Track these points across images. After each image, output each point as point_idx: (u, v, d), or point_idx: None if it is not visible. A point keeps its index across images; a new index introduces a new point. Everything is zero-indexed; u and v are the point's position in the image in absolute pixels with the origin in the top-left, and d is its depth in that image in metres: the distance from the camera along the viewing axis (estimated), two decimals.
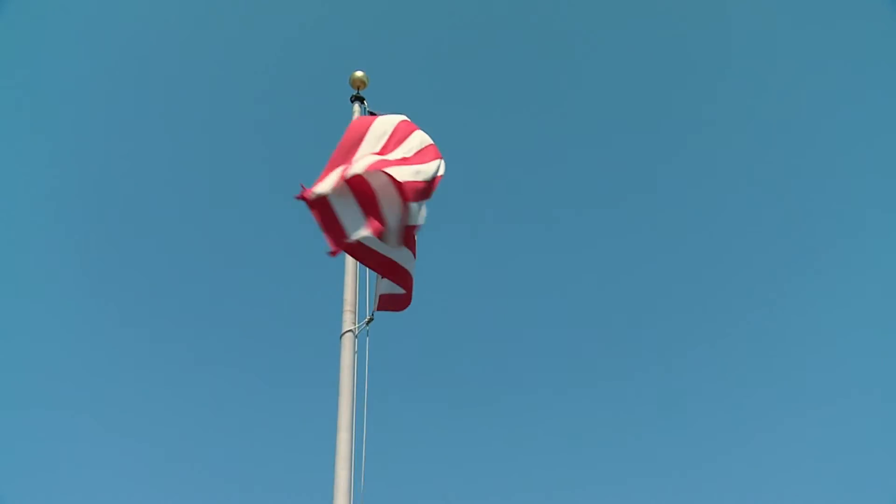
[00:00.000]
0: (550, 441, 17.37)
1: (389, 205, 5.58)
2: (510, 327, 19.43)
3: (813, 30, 19.08)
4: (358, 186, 5.52)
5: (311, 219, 5.31)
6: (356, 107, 7.52)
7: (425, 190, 5.87)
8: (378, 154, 6.00)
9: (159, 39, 19.13)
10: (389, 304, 6.23)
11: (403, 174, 5.71)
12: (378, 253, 5.80)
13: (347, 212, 5.44)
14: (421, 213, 5.82)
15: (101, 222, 18.55)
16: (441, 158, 6.20)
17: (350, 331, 5.93)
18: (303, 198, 5.27)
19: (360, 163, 5.67)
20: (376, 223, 5.48)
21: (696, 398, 18.08)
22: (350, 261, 6.30)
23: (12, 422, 15.08)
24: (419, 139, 6.36)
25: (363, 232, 5.43)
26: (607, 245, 20.49)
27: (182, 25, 19.43)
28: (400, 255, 5.94)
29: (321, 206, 5.34)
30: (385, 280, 6.19)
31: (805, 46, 19.23)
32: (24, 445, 15.12)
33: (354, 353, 5.85)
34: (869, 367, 16.55)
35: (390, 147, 6.20)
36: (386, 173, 5.57)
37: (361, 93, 7.63)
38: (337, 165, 5.65)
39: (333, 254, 5.38)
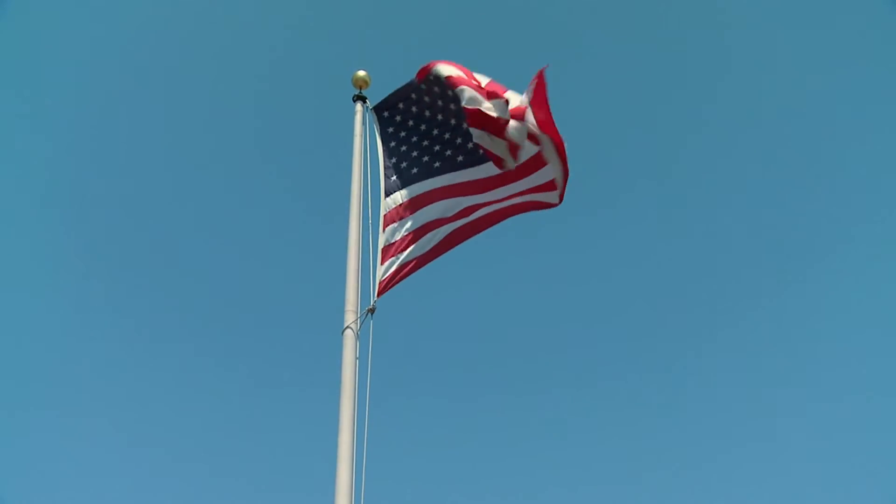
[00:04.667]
0: (552, 439, 17.39)
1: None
2: (512, 326, 19.45)
3: (813, 30, 19.11)
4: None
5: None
6: (358, 106, 7.55)
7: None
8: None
9: (160, 39, 19.15)
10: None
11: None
12: None
13: None
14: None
15: (102, 222, 18.54)
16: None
17: (349, 327, 5.92)
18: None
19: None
20: None
21: (696, 398, 18.12)
22: (352, 260, 6.35)
23: (13, 422, 15.09)
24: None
25: None
26: (609, 243, 20.51)
27: (183, 24, 19.44)
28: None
29: None
30: (383, 266, 6.43)
31: (805, 46, 19.26)
32: (25, 445, 15.12)
33: (356, 352, 5.85)
34: (869, 367, 16.57)
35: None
36: None
37: (364, 92, 7.67)
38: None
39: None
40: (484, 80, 6.77)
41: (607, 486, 16.50)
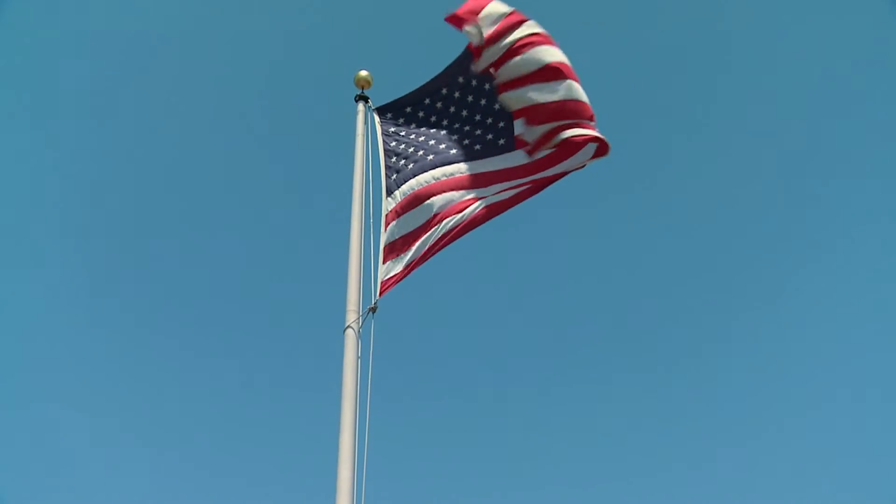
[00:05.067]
0: (554, 439, 17.39)
1: None
2: (514, 325, 19.46)
3: (813, 29, 19.13)
4: None
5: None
6: (360, 106, 7.56)
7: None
8: None
9: (163, 39, 19.15)
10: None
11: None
12: None
13: None
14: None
15: (102, 221, 18.55)
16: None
17: (350, 326, 5.93)
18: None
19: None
20: None
21: (696, 398, 18.12)
22: (354, 259, 6.37)
23: (12, 421, 15.09)
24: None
25: None
26: (610, 244, 20.52)
27: (184, 24, 19.45)
28: None
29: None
30: (385, 266, 6.45)
31: (805, 46, 19.27)
32: (25, 445, 15.12)
33: (357, 352, 5.85)
34: (870, 367, 16.58)
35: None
36: None
37: (366, 92, 7.68)
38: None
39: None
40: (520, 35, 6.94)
41: (609, 486, 16.52)
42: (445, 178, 7.06)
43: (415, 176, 7.07)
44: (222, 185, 19.79)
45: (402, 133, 7.55)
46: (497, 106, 7.16)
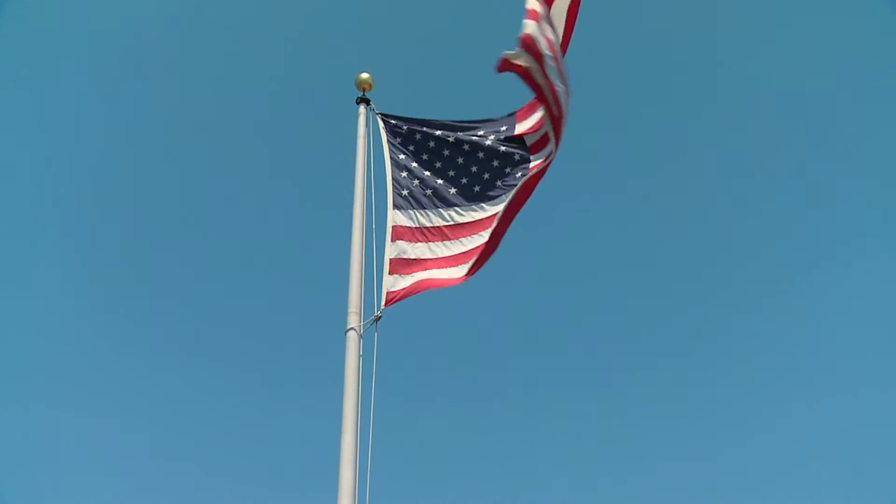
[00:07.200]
0: (556, 440, 17.40)
1: None
2: (515, 326, 19.44)
3: (813, 29, 19.13)
4: None
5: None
6: (362, 108, 7.54)
7: None
8: None
9: (165, 43, 19.15)
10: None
11: None
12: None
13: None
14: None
15: (104, 221, 18.52)
16: None
17: (353, 329, 5.94)
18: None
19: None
20: None
21: (696, 398, 18.13)
22: (356, 263, 6.34)
23: (12, 421, 15.10)
24: None
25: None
26: (612, 244, 20.49)
27: (186, 26, 19.44)
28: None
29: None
30: (391, 277, 6.37)
31: (805, 46, 19.27)
32: (25, 445, 15.12)
33: (359, 354, 5.86)
34: (870, 367, 16.59)
35: None
36: None
37: (367, 94, 7.66)
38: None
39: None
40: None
41: (611, 487, 16.54)
42: (458, 216, 6.94)
43: (430, 207, 6.97)
44: (225, 187, 19.81)
45: (412, 148, 7.43)
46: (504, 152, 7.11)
